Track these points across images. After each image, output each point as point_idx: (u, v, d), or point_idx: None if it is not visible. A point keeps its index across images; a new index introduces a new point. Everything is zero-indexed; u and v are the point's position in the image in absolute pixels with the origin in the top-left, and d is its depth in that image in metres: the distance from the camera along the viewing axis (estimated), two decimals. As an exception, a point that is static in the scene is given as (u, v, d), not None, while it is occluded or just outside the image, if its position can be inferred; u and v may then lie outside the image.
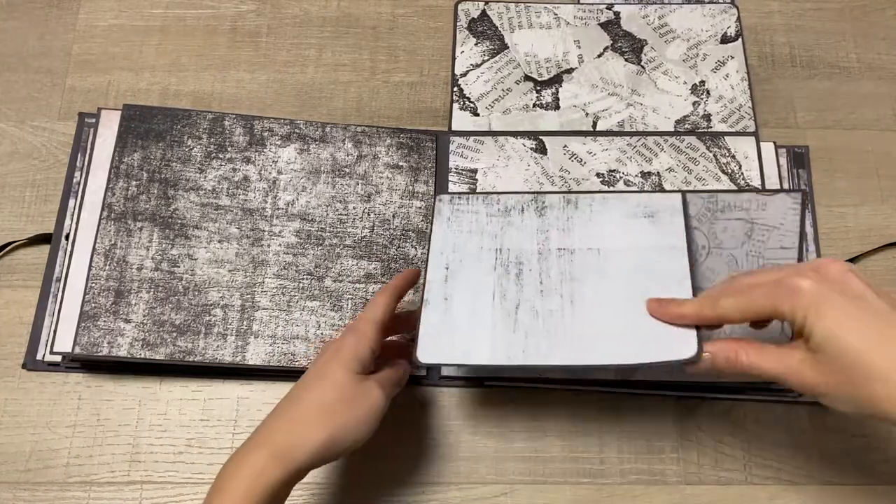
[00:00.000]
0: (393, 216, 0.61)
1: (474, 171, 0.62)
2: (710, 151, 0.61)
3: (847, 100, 0.68)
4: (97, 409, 0.57)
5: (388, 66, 0.69)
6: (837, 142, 0.66)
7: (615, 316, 0.50)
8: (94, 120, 0.63)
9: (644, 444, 0.57)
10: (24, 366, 0.58)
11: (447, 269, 0.54)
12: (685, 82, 0.64)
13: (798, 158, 0.65)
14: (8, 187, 0.64)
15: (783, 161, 0.64)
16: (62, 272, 0.59)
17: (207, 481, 0.55)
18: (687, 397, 0.58)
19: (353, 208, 0.61)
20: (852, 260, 0.62)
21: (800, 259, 0.54)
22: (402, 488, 0.55)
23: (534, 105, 0.63)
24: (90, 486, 0.55)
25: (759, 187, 0.59)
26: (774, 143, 0.63)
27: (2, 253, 0.61)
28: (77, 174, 0.63)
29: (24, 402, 0.57)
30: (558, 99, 0.63)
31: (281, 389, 0.57)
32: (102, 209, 0.59)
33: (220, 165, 0.61)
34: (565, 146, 0.62)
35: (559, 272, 0.53)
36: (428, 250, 0.55)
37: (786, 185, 0.63)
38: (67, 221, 0.61)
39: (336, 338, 0.52)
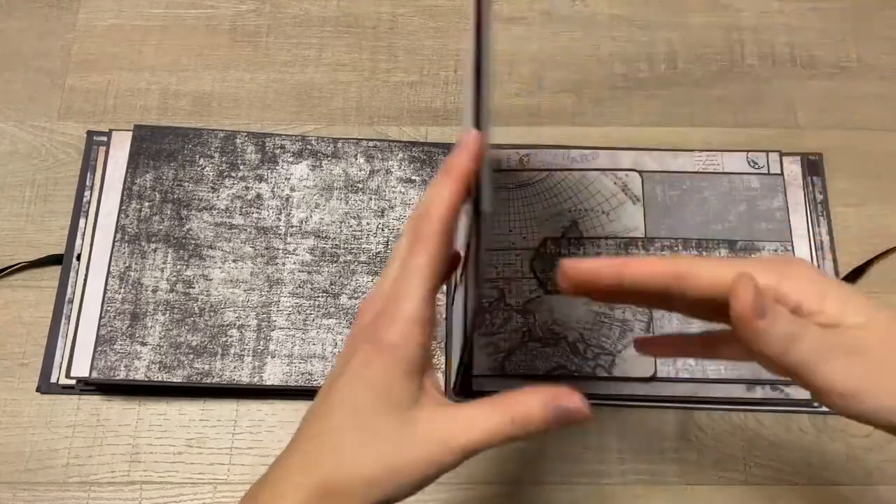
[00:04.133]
0: None
1: None
2: None
3: (847, 100, 0.68)
4: (97, 409, 0.57)
5: (388, 66, 0.69)
6: (838, 142, 0.66)
7: None
8: (103, 137, 0.64)
9: (644, 444, 0.57)
10: (38, 389, 0.57)
11: None
12: None
13: (812, 166, 0.64)
14: (8, 187, 0.64)
15: (796, 168, 0.64)
16: (73, 293, 0.59)
17: (208, 481, 0.55)
18: (690, 408, 0.58)
19: (367, 224, 0.61)
20: (860, 267, 0.61)
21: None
22: (401, 488, 0.55)
23: None
24: (90, 486, 0.55)
25: None
26: (780, 152, 0.64)
27: (8, 271, 0.61)
28: (87, 193, 0.63)
29: (24, 401, 0.57)
30: None
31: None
32: (116, 231, 0.59)
33: (233, 184, 0.61)
34: None
35: None
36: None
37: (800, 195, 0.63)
38: (78, 241, 0.61)
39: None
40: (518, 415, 0.31)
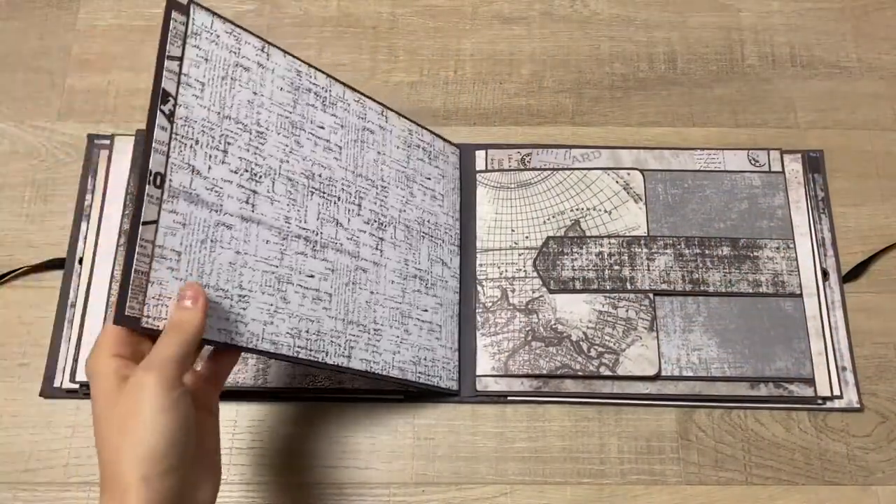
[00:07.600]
0: None
1: None
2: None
3: (847, 100, 0.68)
4: (97, 409, 0.57)
5: (388, 66, 0.69)
6: (837, 142, 0.66)
7: None
8: (104, 141, 0.64)
9: (644, 444, 0.57)
10: (41, 394, 0.57)
11: None
12: None
13: (813, 163, 0.65)
14: (8, 187, 0.64)
15: (797, 166, 0.64)
16: (76, 297, 0.59)
17: (208, 481, 0.55)
18: (688, 406, 0.58)
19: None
20: (862, 264, 0.62)
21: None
22: (402, 488, 0.55)
23: None
24: (90, 486, 0.55)
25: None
26: (780, 150, 0.64)
27: (10, 276, 0.61)
28: (88, 197, 0.62)
29: (24, 402, 0.57)
30: None
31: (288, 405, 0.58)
32: (119, 235, 0.60)
33: None
34: None
35: None
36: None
37: (800, 192, 0.63)
38: (80, 245, 0.61)
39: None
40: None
